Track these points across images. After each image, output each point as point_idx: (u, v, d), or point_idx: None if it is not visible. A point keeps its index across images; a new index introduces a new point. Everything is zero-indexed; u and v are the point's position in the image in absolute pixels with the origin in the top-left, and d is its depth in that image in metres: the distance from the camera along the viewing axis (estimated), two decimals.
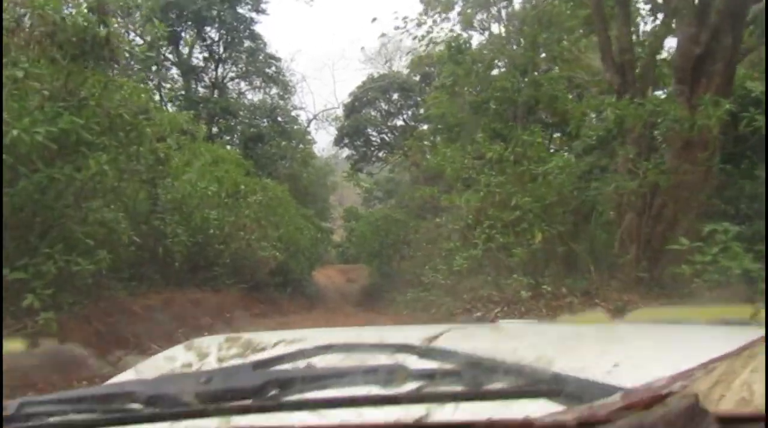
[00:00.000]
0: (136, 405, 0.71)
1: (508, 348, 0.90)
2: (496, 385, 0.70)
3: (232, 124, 18.33)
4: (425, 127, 26.19)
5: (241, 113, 18.81)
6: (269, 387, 0.71)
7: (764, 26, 6.43)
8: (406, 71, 28.71)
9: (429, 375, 0.73)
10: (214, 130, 18.21)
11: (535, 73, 16.69)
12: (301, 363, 0.85)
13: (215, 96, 17.82)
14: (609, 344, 1.04)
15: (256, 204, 11.44)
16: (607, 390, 0.62)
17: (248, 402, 0.70)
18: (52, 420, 0.71)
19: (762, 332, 0.63)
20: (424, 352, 0.88)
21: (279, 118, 19.43)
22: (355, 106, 28.66)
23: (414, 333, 1.05)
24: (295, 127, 20.67)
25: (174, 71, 18.94)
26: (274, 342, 1.10)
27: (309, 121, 22.69)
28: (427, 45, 19.95)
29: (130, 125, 5.96)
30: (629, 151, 7.13)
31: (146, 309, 6.23)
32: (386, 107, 29.10)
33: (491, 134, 11.86)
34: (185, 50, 19.29)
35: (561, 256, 7.62)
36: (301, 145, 22.01)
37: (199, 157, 10.12)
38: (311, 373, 0.78)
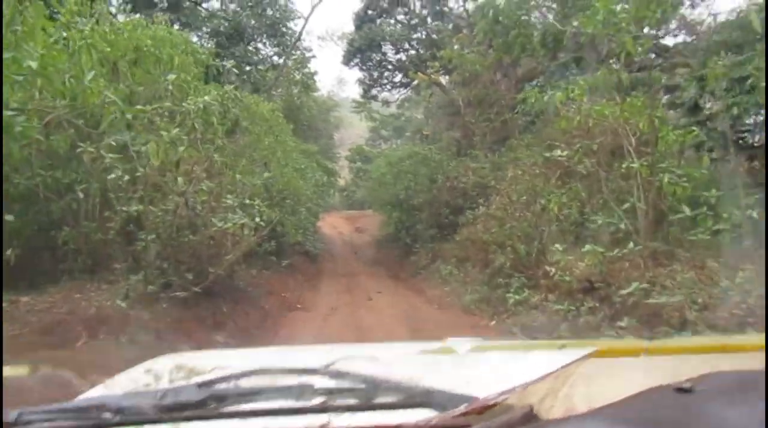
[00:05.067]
0: (107, 415, 0.92)
1: (384, 371, 1.06)
2: (382, 399, 0.93)
3: (198, 14, 12.34)
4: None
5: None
6: (209, 402, 0.94)
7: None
8: None
9: (329, 392, 0.95)
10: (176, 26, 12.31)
11: None
12: (233, 383, 1.04)
13: None
14: (463, 367, 1.29)
15: (217, 127, 6.01)
16: (464, 400, 0.85)
17: (193, 412, 0.93)
18: (46, 425, 0.90)
19: (567, 359, 0.97)
20: (324, 373, 1.06)
21: (268, 10, 13.43)
22: (367, 14, 22.84)
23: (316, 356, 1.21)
24: (292, 19, 14.53)
25: None
26: (211, 367, 1.26)
27: (310, 13, 16.40)
28: None
29: None
30: None
31: None
32: (407, 18, 23.35)
33: None
34: None
35: None
36: (296, 60, 16.11)
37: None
38: (241, 391, 0.99)
